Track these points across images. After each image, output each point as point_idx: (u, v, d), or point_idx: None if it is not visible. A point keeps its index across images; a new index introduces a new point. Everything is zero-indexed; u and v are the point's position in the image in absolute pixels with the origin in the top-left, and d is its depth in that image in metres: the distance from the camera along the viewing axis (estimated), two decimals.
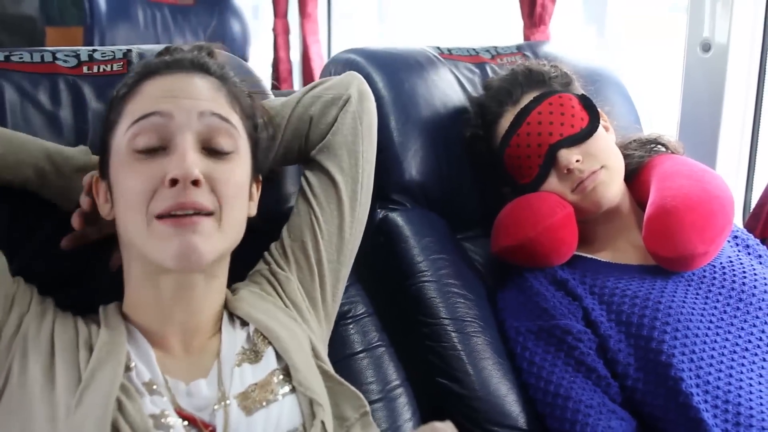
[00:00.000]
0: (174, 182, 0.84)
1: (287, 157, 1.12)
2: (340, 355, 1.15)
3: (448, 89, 1.46)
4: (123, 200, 0.88)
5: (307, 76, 3.09)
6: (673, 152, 1.39)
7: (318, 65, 3.05)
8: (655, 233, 1.22)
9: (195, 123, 0.88)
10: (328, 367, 0.99)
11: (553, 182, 1.27)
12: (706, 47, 1.61)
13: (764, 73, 1.63)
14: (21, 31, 2.77)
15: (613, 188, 1.26)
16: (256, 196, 1.01)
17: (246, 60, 2.13)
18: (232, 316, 0.98)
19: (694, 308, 1.19)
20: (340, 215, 1.07)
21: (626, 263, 1.27)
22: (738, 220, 1.63)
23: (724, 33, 1.59)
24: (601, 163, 1.25)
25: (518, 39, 2.07)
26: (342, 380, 0.97)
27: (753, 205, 1.55)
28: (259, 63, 3.36)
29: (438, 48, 1.54)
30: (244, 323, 0.97)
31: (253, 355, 0.94)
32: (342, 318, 1.19)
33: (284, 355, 0.94)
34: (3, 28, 2.66)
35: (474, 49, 1.57)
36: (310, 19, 3.05)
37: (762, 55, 1.63)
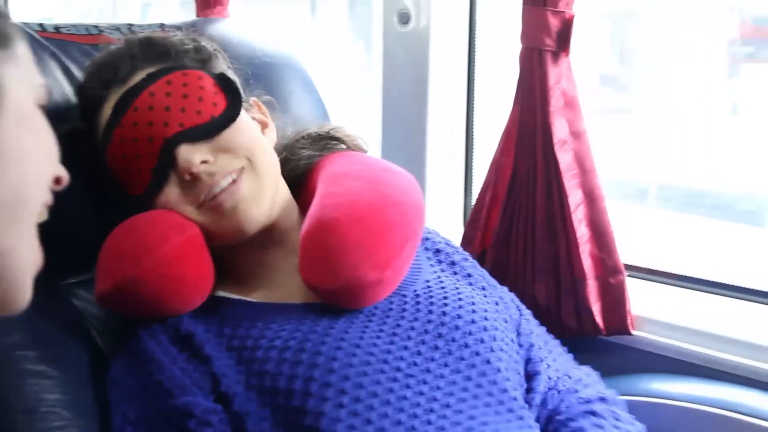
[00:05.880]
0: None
1: None
2: None
3: (47, 81, 1.04)
4: None
5: None
6: (351, 148, 1.05)
7: None
8: (309, 257, 0.87)
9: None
10: None
11: (172, 194, 0.89)
12: (405, 18, 1.31)
13: (473, 54, 1.35)
14: None
15: (262, 204, 0.90)
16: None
17: None
18: None
19: (371, 354, 0.84)
20: None
21: (286, 302, 0.91)
22: (458, 229, 1.34)
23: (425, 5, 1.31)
24: (241, 163, 0.89)
25: None
26: None
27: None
28: None
29: (41, 25, 1.12)
30: None
31: None
32: None
33: None
34: None
35: (96, 27, 1.16)
36: None
37: (470, 35, 1.35)
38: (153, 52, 0.96)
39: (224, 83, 0.94)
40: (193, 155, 0.87)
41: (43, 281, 0.95)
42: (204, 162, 0.87)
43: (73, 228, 1.01)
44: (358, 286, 0.86)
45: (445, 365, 0.87)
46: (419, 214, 0.93)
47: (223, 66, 1.02)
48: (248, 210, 0.88)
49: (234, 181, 0.88)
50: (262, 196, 0.90)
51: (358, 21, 5.35)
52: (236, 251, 0.93)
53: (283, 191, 0.96)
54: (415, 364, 0.86)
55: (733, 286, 1.20)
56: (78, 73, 1.08)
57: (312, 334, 0.85)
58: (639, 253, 1.32)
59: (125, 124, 0.89)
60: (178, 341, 0.86)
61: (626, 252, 1.20)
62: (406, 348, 0.87)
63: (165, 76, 0.91)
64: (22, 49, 0.62)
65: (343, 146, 1.05)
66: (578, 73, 1.13)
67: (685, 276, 1.24)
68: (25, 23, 1.12)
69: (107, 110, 0.92)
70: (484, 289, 1.00)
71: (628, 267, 1.19)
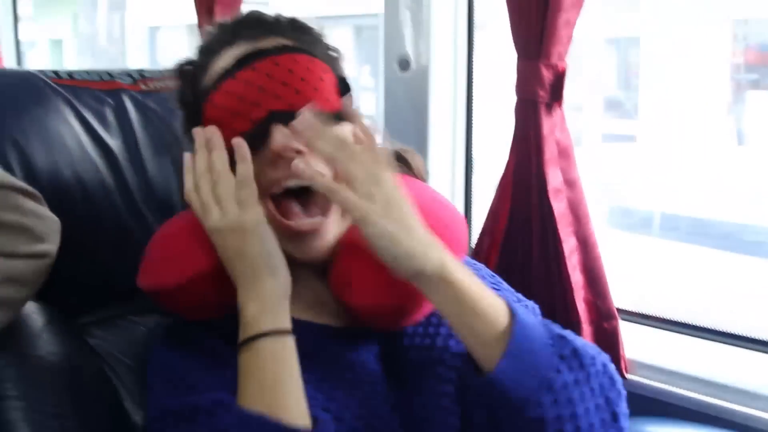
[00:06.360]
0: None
1: None
2: None
3: (62, 126, 1.09)
4: None
5: None
6: (415, 176, 1.03)
7: None
8: (349, 274, 0.88)
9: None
10: None
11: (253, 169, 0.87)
12: (404, 65, 1.35)
13: (471, 89, 1.39)
14: None
15: (332, 241, 0.88)
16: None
17: None
18: None
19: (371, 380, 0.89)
20: None
21: (313, 321, 0.91)
22: None
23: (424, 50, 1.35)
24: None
25: None
26: None
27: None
28: None
29: (55, 72, 1.16)
30: None
31: None
32: None
33: None
34: None
35: (108, 73, 1.20)
36: None
37: (468, 71, 1.39)
38: (294, 26, 0.95)
39: (343, 86, 0.93)
40: (291, 140, 0.85)
41: (58, 323, 1.00)
42: (298, 152, 0.85)
43: (90, 266, 1.06)
44: (396, 306, 0.86)
45: None
46: (458, 250, 0.90)
47: (344, 72, 0.99)
48: (319, 247, 0.88)
49: (323, 220, 0.87)
50: (337, 236, 0.89)
51: (364, 46, 5.37)
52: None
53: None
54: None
55: (726, 332, 1.22)
56: (91, 119, 1.12)
57: (322, 353, 0.87)
58: (640, 287, 1.33)
59: (239, 78, 0.87)
60: (204, 351, 0.88)
61: (628, 285, 1.21)
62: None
63: (294, 54, 0.89)
64: None
65: (407, 170, 1.03)
66: (583, 100, 1.15)
67: (679, 321, 1.26)
68: (41, 71, 1.16)
69: (227, 58, 0.91)
70: None
71: (622, 311, 1.21)
